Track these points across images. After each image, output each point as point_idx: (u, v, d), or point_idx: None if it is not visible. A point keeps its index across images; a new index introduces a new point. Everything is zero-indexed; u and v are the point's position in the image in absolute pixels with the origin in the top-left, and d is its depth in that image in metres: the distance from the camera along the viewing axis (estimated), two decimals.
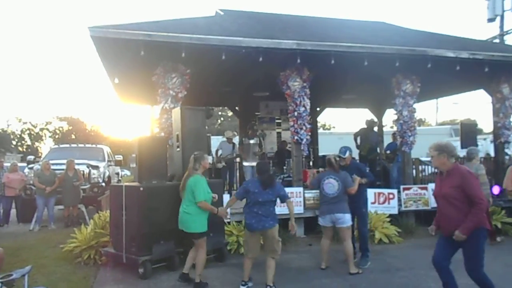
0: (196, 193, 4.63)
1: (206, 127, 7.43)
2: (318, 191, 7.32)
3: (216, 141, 13.98)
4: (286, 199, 4.76)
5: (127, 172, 25.68)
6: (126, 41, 6.22)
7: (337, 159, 5.66)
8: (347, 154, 5.87)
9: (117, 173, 13.18)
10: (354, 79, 9.71)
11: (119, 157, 13.25)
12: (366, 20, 11.48)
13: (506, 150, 9.24)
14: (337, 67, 7.37)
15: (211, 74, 8.75)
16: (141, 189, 5.35)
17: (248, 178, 8.63)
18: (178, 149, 6.08)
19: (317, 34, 8.15)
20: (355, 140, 10.51)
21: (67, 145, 13.85)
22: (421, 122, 38.98)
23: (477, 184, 3.63)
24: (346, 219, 5.30)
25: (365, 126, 10.56)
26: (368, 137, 10.31)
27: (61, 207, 9.58)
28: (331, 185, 5.41)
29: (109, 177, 11.08)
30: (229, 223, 6.61)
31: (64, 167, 9.46)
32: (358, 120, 78.22)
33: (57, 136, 43.99)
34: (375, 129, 11.23)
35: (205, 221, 4.74)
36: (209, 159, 9.36)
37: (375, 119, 10.32)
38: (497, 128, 9.14)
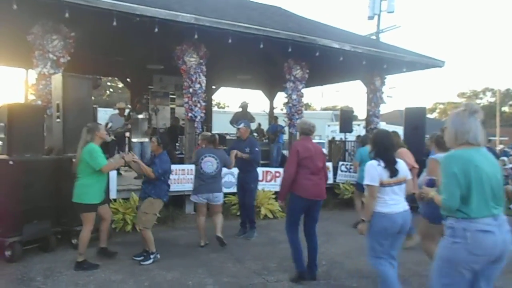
0: (95, 161, 4.37)
1: (93, 98, 6.85)
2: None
3: (104, 113, 13.04)
4: None
5: None
6: None
7: (216, 136, 5.79)
8: (242, 125, 6.07)
9: None
10: (250, 60, 9.94)
11: None
12: (263, 3, 11.74)
13: None
14: (234, 47, 7.43)
15: (100, 40, 8.07)
16: (11, 162, 4.74)
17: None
18: (58, 120, 5.53)
19: (216, 11, 8.07)
20: (233, 125, 10.63)
21: None
22: (307, 106, 42.03)
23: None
24: (221, 197, 5.58)
25: (240, 110, 10.80)
26: (245, 119, 10.48)
27: None
28: (210, 163, 5.41)
29: None
30: (115, 200, 6.31)
31: None
32: (252, 99, 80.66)
33: None
34: (249, 110, 11.47)
35: (98, 193, 4.53)
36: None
37: (247, 101, 10.77)
38: (369, 115, 10.39)
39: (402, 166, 3.35)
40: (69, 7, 5.78)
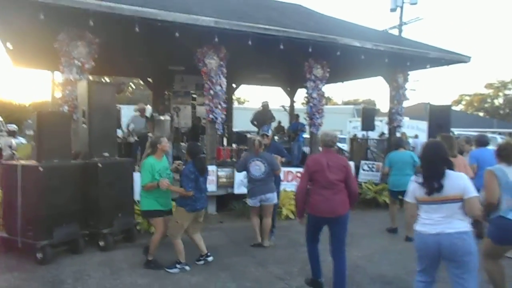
0: (141, 177, 4.71)
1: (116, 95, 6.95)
2: (229, 169, 7.60)
3: (127, 111, 13.25)
4: None
5: (22, 140, 23.04)
6: (22, 2, 5.47)
7: (262, 141, 5.85)
8: (270, 132, 6.21)
9: (10, 146, 11.75)
10: (270, 59, 9.90)
11: (13, 127, 11.83)
12: (283, 1, 11.64)
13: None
14: (254, 47, 7.42)
15: (123, 43, 8.21)
16: (41, 169, 4.91)
17: None
18: (84, 125, 5.70)
19: (236, 12, 8.08)
20: (253, 124, 10.55)
21: None
22: (328, 100, 41.59)
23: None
24: (274, 197, 5.77)
25: (260, 109, 10.77)
26: (266, 118, 10.32)
27: None
28: (258, 167, 5.67)
29: None
30: (138, 202, 6.44)
31: None
32: (272, 95, 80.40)
33: None
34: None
35: (158, 200, 4.73)
36: (119, 133, 8.95)
37: (267, 100, 10.81)
38: (391, 113, 10.20)
39: (453, 182, 2.90)
40: (93, 15, 5.91)
